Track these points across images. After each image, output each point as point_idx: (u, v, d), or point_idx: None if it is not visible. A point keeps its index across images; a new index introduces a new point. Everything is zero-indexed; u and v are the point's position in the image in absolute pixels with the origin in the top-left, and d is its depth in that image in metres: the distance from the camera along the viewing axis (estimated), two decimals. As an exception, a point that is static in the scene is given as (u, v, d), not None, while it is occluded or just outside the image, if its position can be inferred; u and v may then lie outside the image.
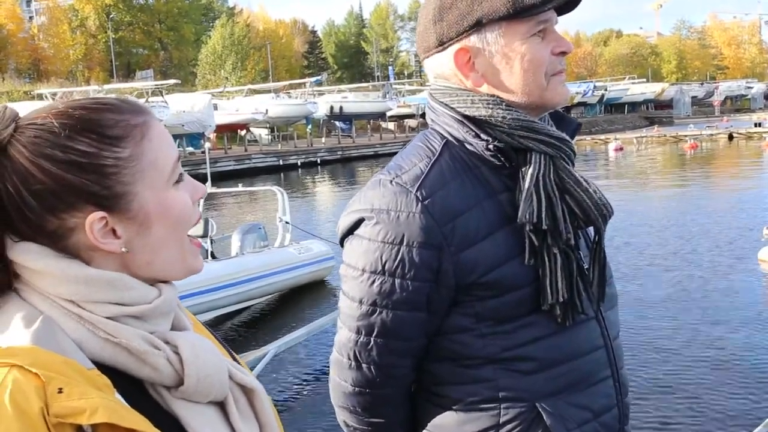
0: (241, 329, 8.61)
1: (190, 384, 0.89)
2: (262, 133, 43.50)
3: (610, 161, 31.57)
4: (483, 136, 1.36)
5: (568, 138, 1.41)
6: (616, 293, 1.53)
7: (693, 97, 76.71)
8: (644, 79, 79.95)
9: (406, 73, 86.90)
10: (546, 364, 1.35)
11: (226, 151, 36.60)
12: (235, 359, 1.06)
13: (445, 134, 1.40)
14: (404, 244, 1.30)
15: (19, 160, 0.86)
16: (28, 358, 0.80)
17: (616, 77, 75.83)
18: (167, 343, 0.91)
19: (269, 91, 47.26)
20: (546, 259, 1.33)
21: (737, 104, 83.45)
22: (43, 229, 0.88)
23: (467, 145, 1.38)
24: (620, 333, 1.51)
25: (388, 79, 63.89)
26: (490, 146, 1.35)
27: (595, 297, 1.41)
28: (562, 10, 1.39)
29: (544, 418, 1.34)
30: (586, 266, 1.40)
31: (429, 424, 1.41)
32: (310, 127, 45.23)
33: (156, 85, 38.32)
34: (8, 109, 0.90)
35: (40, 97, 37.00)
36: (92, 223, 0.88)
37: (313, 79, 53.92)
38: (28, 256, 0.88)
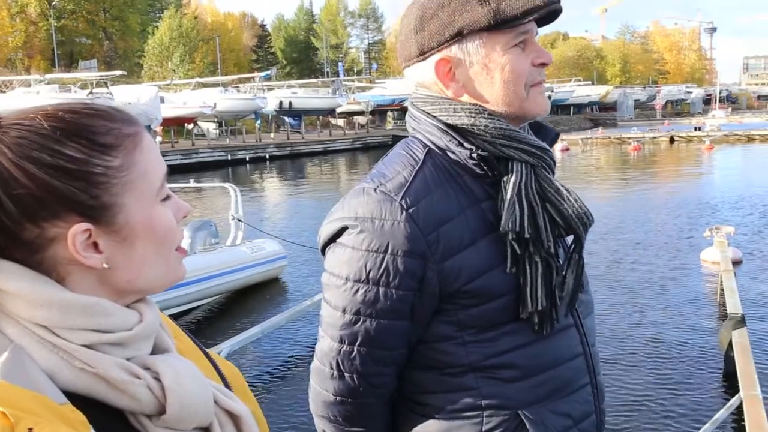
0: (192, 327, 8.47)
1: (173, 412, 0.84)
2: (210, 128, 42.95)
3: (557, 162, 32.06)
4: (466, 144, 1.36)
5: (548, 147, 1.42)
6: (593, 300, 1.55)
7: (636, 101, 78.75)
8: (589, 82, 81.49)
9: (355, 69, 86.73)
10: (528, 372, 1.36)
11: (173, 144, 35.94)
12: (224, 381, 1.01)
13: (427, 142, 1.40)
14: (389, 252, 1.30)
15: (0, 161, 0.80)
16: None
17: (562, 79, 77.13)
18: (147, 369, 0.85)
19: (218, 85, 46.71)
20: (527, 267, 1.34)
21: (678, 108, 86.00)
22: (19, 238, 0.82)
23: (449, 154, 1.38)
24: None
25: (338, 76, 63.76)
26: (474, 155, 1.36)
27: (570, 304, 1.42)
28: (542, 21, 1.40)
29: (527, 425, 1.34)
30: (564, 274, 1.41)
31: None
32: (259, 122, 44.90)
33: (101, 75, 37.38)
34: None
35: (-24, 85, 35.77)
36: (75, 234, 0.82)
37: (263, 73, 53.49)
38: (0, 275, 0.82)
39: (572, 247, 1.43)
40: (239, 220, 10.31)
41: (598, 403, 1.47)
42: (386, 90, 56.41)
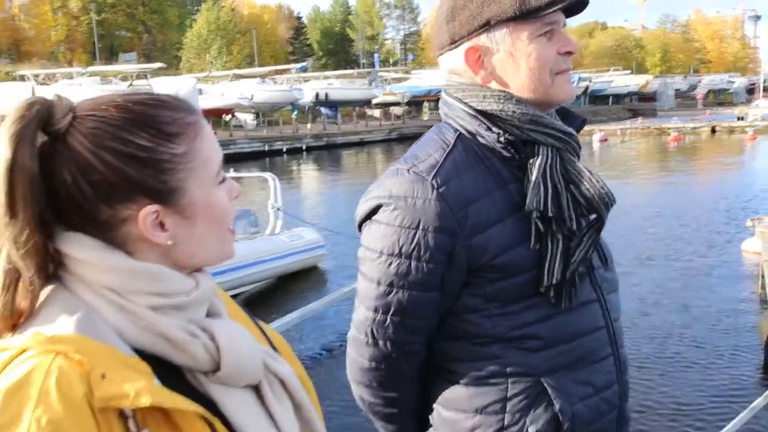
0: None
1: (226, 369, 0.93)
2: (248, 119, 43.31)
3: (595, 152, 31.78)
4: (494, 129, 1.45)
5: (573, 132, 1.50)
6: (617, 278, 1.62)
7: (676, 90, 77.20)
8: (628, 72, 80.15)
9: (391, 60, 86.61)
10: (551, 343, 1.44)
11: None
12: (272, 346, 1.10)
13: (458, 127, 1.49)
14: (420, 228, 1.39)
15: (79, 150, 0.88)
16: (72, 345, 0.83)
17: (600, 69, 75.99)
18: (204, 330, 0.94)
19: (255, 77, 46.93)
20: (549, 244, 1.42)
21: (720, 98, 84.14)
22: (95, 218, 0.90)
23: (479, 138, 1.47)
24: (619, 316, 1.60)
25: (374, 67, 63.78)
26: (501, 139, 1.44)
27: (590, 279, 1.50)
28: (570, 12, 1.47)
29: (549, 392, 1.43)
30: (583, 250, 1.47)
31: (440, 398, 1.50)
32: (295, 113, 45.08)
33: (141, 68, 38.01)
34: (64, 98, 0.92)
35: (22, 78, 36.55)
36: (146, 216, 0.91)
37: (299, 65, 53.70)
38: (73, 246, 0.90)
39: (592, 224, 1.49)
40: (278, 209, 10.42)
41: (620, 374, 1.54)
42: (422, 81, 56.19)
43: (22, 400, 0.78)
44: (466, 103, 1.47)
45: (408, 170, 1.43)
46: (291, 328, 7.08)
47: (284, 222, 10.65)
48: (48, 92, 1.02)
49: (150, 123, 0.92)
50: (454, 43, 1.48)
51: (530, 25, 1.42)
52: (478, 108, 1.46)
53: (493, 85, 1.47)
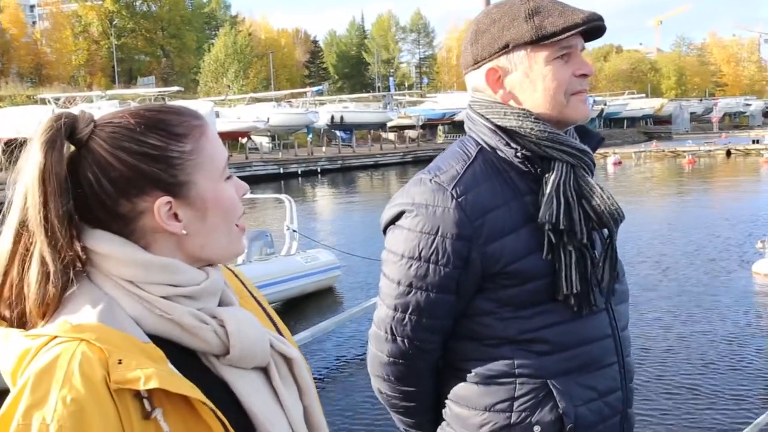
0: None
1: (235, 352, 1.02)
2: (263, 141, 43.66)
3: (609, 175, 31.81)
4: (513, 144, 1.54)
5: (588, 150, 1.59)
6: (628, 290, 1.70)
7: (692, 113, 77.05)
8: (643, 95, 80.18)
9: (406, 84, 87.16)
10: (558, 347, 1.52)
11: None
12: (279, 332, 1.20)
13: (480, 141, 1.59)
14: (439, 234, 1.49)
15: (99, 152, 1.00)
16: (94, 334, 0.93)
17: (615, 92, 76.18)
18: (214, 317, 1.03)
19: (271, 100, 47.44)
20: (562, 255, 1.50)
21: (735, 121, 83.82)
22: (117, 212, 1.01)
23: (498, 152, 1.56)
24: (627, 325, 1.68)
25: (389, 90, 64.15)
26: (519, 154, 1.54)
27: (605, 291, 1.58)
28: (588, 36, 1.57)
29: (555, 394, 1.51)
30: (599, 263, 1.57)
31: (452, 394, 1.59)
32: (311, 136, 45.43)
33: (159, 91, 38.56)
34: (86, 113, 1.05)
35: (43, 101, 37.15)
36: (160, 206, 1.01)
37: (315, 88, 54.15)
38: (98, 241, 1.00)
39: (608, 240, 1.59)
40: (294, 231, 10.51)
41: (625, 381, 1.62)
42: (437, 104, 56.49)
43: (49, 382, 0.89)
44: (488, 119, 1.57)
45: (430, 180, 1.53)
46: (301, 346, 7.19)
47: (299, 243, 10.73)
48: (70, 113, 1.17)
49: (160, 126, 1.03)
50: (477, 63, 1.59)
51: (547, 49, 1.52)
52: (499, 124, 1.55)
53: (512, 103, 1.57)
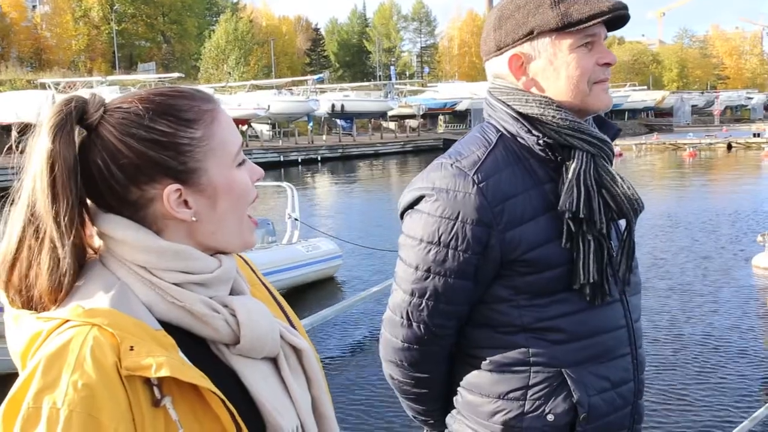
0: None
1: (245, 342, 1.01)
2: (264, 129, 43.63)
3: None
4: (534, 132, 1.53)
5: (608, 139, 1.58)
6: (641, 281, 1.70)
7: (693, 106, 76.88)
8: (645, 87, 79.96)
9: (407, 73, 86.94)
10: (573, 337, 1.52)
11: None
12: (291, 323, 1.18)
13: (500, 128, 1.57)
14: (459, 219, 1.48)
15: (108, 138, 0.98)
16: (106, 319, 0.92)
17: (617, 84, 75.84)
18: (225, 306, 1.02)
19: (271, 87, 47.38)
20: (580, 243, 1.49)
21: (737, 114, 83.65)
22: (127, 199, 0.99)
23: (519, 139, 1.55)
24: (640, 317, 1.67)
25: (390, 79, 63.95)
26: (540, 141, 1.52)
27: (621, 282, 1.58)
28: (611, 25, 1.55)
29: (568, 383, 1.51)
30: (615, 254, 1.57)
31: (464, 382, 1.58)
32: (311, 124, 45.37)
33: (159, 78, 38.50)
34: (97, 96, 1.02)
35: (42, 86, 37.05)
36: (169, 193, 0.99)
37: (316, 76, 53.97)
38: (110, 225, 1.00)
39: (625, 231, 1.59)
40: (296, 219, 10.44)
41: (637, 372, 1.62)
42: (438, 94, 56.38)
43: (60, 366, 0.88)
44: (509, 106, 1.55)
45: (452, 164, 1.51)
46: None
47: (300, 232, 10.67)
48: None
49: (169, 111, 1.01)
50: (500, 50, 1.57)
51: (571, 37, 1.51)
52: (521, 111, 1.54)
53: (534, 90, 1.55)
